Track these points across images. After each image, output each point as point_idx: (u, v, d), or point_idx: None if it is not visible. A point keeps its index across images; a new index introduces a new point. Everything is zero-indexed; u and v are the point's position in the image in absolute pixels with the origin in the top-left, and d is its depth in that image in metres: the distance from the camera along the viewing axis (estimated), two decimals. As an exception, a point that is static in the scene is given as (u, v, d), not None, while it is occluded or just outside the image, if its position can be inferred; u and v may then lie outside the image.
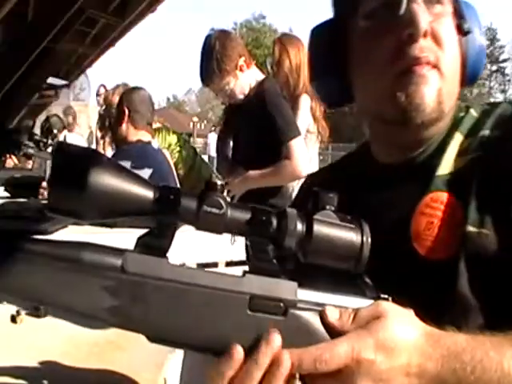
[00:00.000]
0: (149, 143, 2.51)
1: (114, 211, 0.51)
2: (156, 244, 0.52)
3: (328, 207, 0.55)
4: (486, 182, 0.69)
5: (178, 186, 2.61)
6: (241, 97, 2.33)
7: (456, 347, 0.53)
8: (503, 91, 45.42)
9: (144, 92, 2.60)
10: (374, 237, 0.68)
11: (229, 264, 1.77)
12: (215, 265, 1.75)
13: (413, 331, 0.54)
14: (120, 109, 2.53)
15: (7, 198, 2.47)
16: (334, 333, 0.54)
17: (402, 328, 0.53)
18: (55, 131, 3.37)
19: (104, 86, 6.51)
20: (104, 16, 5.10)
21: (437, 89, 0.71)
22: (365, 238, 0.55)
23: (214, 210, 0.52)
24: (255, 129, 2.25)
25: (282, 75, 2.65)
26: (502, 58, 44.78)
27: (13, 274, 0.49)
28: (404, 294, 0.65)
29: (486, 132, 0.73)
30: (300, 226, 0.53)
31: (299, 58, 2.68)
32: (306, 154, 2.27)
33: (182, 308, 0.52)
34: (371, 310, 0.55)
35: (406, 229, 0.72)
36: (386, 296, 0.58)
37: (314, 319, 0.55)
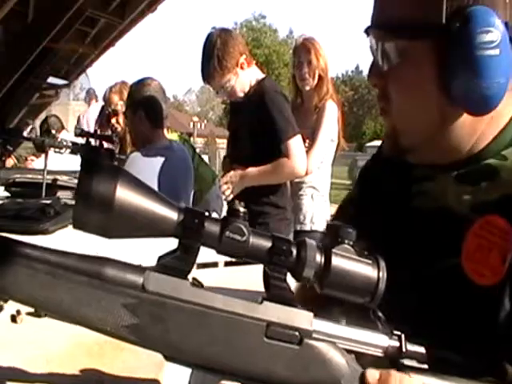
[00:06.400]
0: (170, 141, 2.50)
1: (137, 231, 0.52)
2: (177, 265, 0.53)
3: (347, 241, 0.56)
4: None
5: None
6: (241, 95, 2.33)
7: None
8: (503, 91, 45.41)
9: (155, 83, 2.47)
10: (425, 240, 0.71)
11: (228, 264, 1.77)
12: (215, 264, 1.75)
13: None
14: (135, 107, 2.41)
15: (7, 198, 2.47)
16: None
17: None
18: (53, 131, 3.37)
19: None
20: (104, 16, 5.10)
21: (388, 127, 0.79)
22: (381, 274, 0.56)
23: (237, 237, 0.53)
24: (254, 127, 2.25)
25: (312, 79, 2.67)
26: (502, 57, 44.78)
27: (35, 287, 0.50)
28: (444, 310, 0.66)
29: None
30: (319, 258, 0.55)
31: (325, 61, 2.71)
32: (304, 152, 2.28)
33: (199, 330, 0.52)
34: None
35: (458, 246, 0.71)
36: (398, 332, 0.58)
37: (328, 350, 0.55)
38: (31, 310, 1.16)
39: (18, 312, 1.12)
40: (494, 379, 0.62)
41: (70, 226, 1.97)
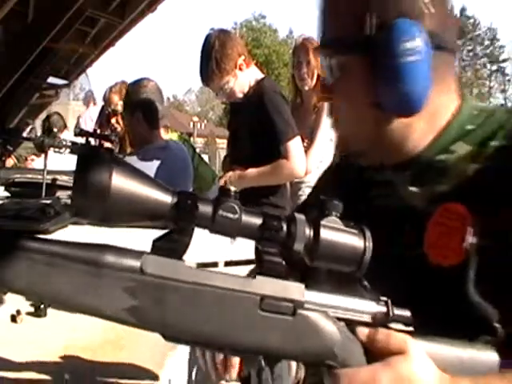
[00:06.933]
0: (167, 141, 2.50)
1: (134, 215, 0.54)
2: (173, 247, 0.54)
3: (334, 213, 0.58)
4: (496, 193, 0.72)
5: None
6: (240, 96, 2.33)
7: None
8: (503, 91, 45.40)
9: (151, 84, 2.46)
10: (389, 239, 0.73)
11: (228, 264, 1.77)
12: (215, 264, 1.75)
13: (431, 374, 0.58)
14: (132, 109, 2.43)
15: (7, 197, 2.47)
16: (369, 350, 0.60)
17: (422, 369, 0.58)
18: (55, 130, 3.35)
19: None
20: (104, 16, 5.10)
21: (338, 136, 0.88)
22: (367, 244, 0.58)
23: (229, 215, 0.55)
24: (253, 128, 2.26)
25: (310, 79, 2.69)
26: (501, 57, 44.76)
27: (35, 277, 0.51)
28: (415, 298, 0.67)
29: (497, 142, 0.76)
30: (308, 231, 0.57)
31: None
32: (303, 153, 2.28)
33: (197, 308, 0.54)
34: (400, 342, 0.59)
35: (420, 235, 0.75)
36: (385, 298, 0.61)
37: (320, 319, 0.58)
38: (31, 309, 1.17)
39: (18, 312, 1.13)
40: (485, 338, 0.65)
41: (70, 226, 1.98)
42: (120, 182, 0.52)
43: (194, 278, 0.54)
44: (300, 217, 0.57)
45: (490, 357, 0.62)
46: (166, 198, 0.54)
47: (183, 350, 1.11)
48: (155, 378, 0.96)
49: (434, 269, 0.73)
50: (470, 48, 45.53)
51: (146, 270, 0.53)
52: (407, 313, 0.61)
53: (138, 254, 0.54)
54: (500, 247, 0.70)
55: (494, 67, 45.17)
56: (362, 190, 0.86)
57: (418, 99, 0.75)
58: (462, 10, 44.09)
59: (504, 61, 44.53)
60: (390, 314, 0.61)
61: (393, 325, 0.61)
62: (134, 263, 0.53)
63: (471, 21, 44.68)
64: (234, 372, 0.81)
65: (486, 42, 44.95)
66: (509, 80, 45.16)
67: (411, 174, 0.81)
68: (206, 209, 0.54)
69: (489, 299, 0.70)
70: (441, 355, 0.60)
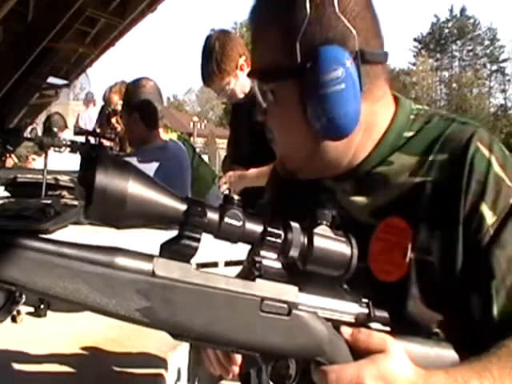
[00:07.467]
0: (165, 141, 2.50)
1: (147, 221, 0.57)
2: (182, 250, 0.57)
3: (324, 222, 0.64)
4: (434, 207, 0.75)
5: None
6: (241, 96, 2.33)
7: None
8: (503, 91, 45.41)
9: (150, 84, 2.45)
10: None
11: (228, 264, 1.77)
12: (215, 264, 1.75)
13: (410, 370, 0.63)
14: (130, 110, 2.42)
15: (7, 197, 2.47)
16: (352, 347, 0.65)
17: (402, 366, 0.63)
18: (55, 129, 3.34)
19: None
20: (104, 16, 5.10)
21: (277, 154, 0.88)
22: (354, 250, 0.64)
23: (234, 222, 0.59)
24: (254, 128, 2.25)
25: None
26: (501, 57, 44.77)
27: (52, 279, 0.52)
28: None
29: (436, 155, 0.77)
30: (302, 239, 0.62)
31: None
32: None
33: (204, 309, 0.58)
34: (381, 341, 0.64)
35: (364, 247, 0.76)
36: (366, 300, 0.67)
37: (311, 319, 0.63)
38: (31, 309, 1.17)
39: (18, 312, 1.12)
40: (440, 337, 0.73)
41: (70, 226, 1.97)
42: (136, 189, 0.54)
43: (203, 281, 0.57)
44: (295, 225, 0.62)
45: (452, 353, 0.70)
46: (178, 205, 0.57)
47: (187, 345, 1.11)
48: (156, 378, 0.96)
49: (378, 280, 0.77)
50: (469, 48, 45.55)
51: (157, 272, 0.56)
52: (386, 314, 0.67)
53: (149, 258, 0.56)
54: (440, 260, 0.74)
55: (494, 67, 45.19)
56: (311, 201, 0.85)
57: (348, 124, 0.75)
58: (462, 10, 44.17)
59: (504, 61, 44.56)
60: (372, 314, 0.67)
61: (373, 324, 0.67)
62: (147, 266, 0.56)
63: (471, 21, 44.72)
64: (236, 370, 0.82)
65: (486, 42, 44.96)
66: (509, 80, 45.19)
67: (353, 187, 0.82)
68: (213, 216, 0.58)
69: (432, 307, 0.75)
70: (415, 352, 0.66)
